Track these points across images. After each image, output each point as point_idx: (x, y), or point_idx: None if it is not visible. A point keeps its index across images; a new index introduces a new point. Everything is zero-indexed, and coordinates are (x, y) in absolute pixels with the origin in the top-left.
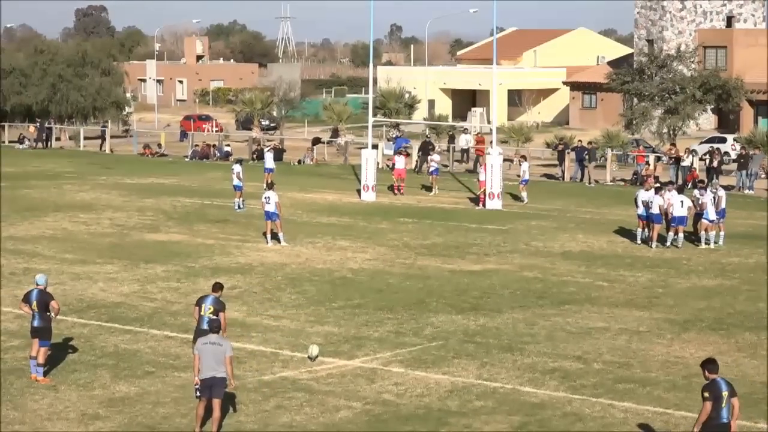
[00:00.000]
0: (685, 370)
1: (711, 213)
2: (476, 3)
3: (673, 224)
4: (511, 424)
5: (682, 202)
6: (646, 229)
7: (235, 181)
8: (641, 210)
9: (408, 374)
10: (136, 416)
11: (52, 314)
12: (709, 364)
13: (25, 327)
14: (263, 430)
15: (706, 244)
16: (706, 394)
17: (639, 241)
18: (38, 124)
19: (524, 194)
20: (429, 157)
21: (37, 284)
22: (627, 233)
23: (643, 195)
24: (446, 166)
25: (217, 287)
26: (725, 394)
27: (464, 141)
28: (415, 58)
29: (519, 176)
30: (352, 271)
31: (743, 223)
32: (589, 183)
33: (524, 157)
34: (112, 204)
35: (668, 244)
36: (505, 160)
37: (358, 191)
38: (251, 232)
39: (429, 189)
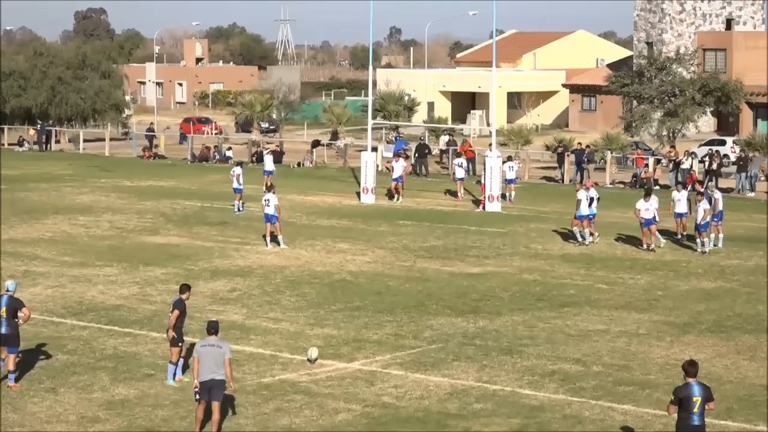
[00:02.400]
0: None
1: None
2: (476, 5)
3: (701, 230)
4: (510, 426)
5: (702, 209)
6: (587, 229)
7: (235, 184)
8: (585, 211)
9: (407, 377)
10: (136, 419)
11: (20, 321)
12: (686, 367)
13: (25, 330)
14: None
15: (657, 247)
16: (672, 397)
17: (584, 240)
18: (39, 126)
19: (511, 193)
20: (394, 163)
21: (7, 290)
22: (627, 236)
23: (580, 194)
24: (445, 167)
25: (184, 288)
26: (697, 398)
27: (442, 142)
28: (415, 60)
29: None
30: (351, 273)
31: (742, 226)
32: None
33: (510, 158)
34: (112, 207)
35: (705, 249)
36: (504, 162)
37: (358, 194)
38: (251, 235)
39: (391, 197)
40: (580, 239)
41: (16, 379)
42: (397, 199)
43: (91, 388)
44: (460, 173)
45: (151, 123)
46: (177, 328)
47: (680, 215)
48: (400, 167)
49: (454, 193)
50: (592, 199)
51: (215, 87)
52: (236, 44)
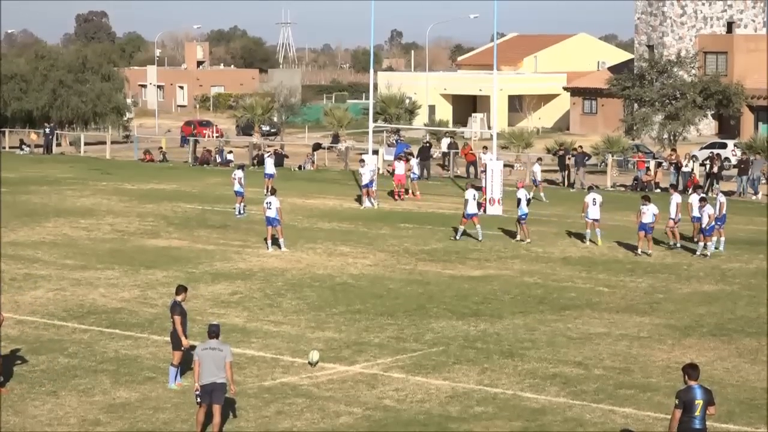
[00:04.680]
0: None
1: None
2: (477, 8)
3: (706, 234)
4: (511, 429)
5: (707, 214)
6: (521, 229)
7: (236, 187)
8: (473, 210)
9: (408, 380)
10: (137, 422)
11: None
12: (688, 370)
13: (26, 333)
14: None
15: (644, 253)
16: (676, 401)
17: (457, 236)
18: (47, 129)
19: (540, 194)
20: (360, 169)
21: None
22: (628, 239)
23: (520, 193)
24: (447, 169)
25: (180, 290)
26: (699, 401)
27: (444, 144)
28: (416, 63)
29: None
30: (352, 276)
31: (744, 229)
32: (579, 187)
33: (539, 159)
34: (113, 209)
35: (707, 252)
36: (505, 165)
37: (359, 197)
38: (252, 238)
39: (361, 201)
40: (458, 237)
41: (1, 384)
42: (374, 204)
43: (92, 391)
44: (417, 172)
45: (193, 128)
46: (176, 331)
47: (698, 218)
48: (368, 172)
49: (412, 192)
50: (519, 200)
51: (216, 90)
52: (237, 47)
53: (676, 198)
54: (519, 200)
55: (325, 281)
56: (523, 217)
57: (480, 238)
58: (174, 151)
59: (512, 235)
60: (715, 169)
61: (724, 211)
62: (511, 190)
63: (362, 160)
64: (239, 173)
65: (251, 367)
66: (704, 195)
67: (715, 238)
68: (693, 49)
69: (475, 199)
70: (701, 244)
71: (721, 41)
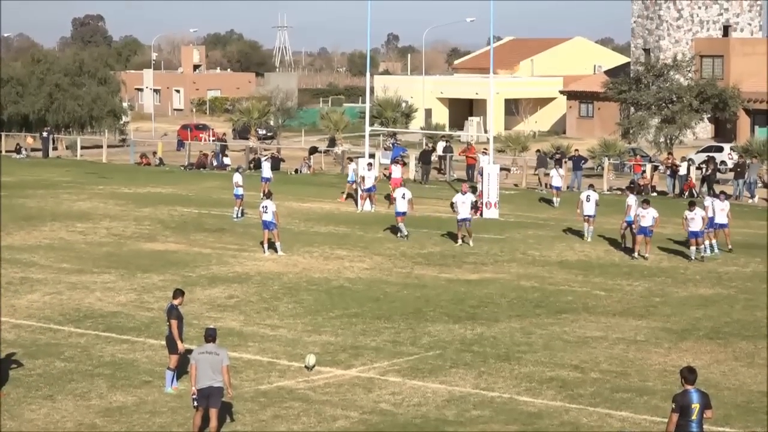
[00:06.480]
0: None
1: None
2: (473, 12)
3: (698, 237)
4: None
5: (700, 217)
6: (464, 235)
7: (236, 190)
8: (462, 215)
9: (405, 383)
10: (133, 426)
11: None
12: (685, 373)
13: (23, 337)
14: None
15: (641, 256)
16: (673, 405)
17: (459, 243)
18: (44, 133)
19: (557, 199)
20: (366, 173)
21: None
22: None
23: (458, 198)
24: (443, 173)
25: (178, 294)
26: (695, 405)
27: (440, 148)
28: (412, 67)
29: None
30: (349, 280)
31: (740, 232)
32: (577, 190)
33: (556, 165)
34: (109, 213)
35: (693, 257)
36: (502, 169)
37: (355, 200)
38: (248, 242)
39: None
40: (401, 235)
41: None
42: (373, 208)
43: (89, 395)
44: (351, 178)
45: (224, 134)
46: (172, 335)
47: (720, 226)
48: (373, 176)
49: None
50: (474, 202)
51: (213, 94)
52: (234, 51)
53: (630, 200)
54: (474, 202)
55: (322, 285)
56: (468, 220)
57: (405, 233)
58: (170, 155)
59: (505, 239)
60: (709, 172)
61: (710, 214)
62: (506, 194)
63: (370, 164)
64: (237, 176)
65: (248, 370)
66: (693, 199)
67: (707, 242)
68: (689, 53)
69: (404, 198)
70: (693, 248)
71: (717, 45)
